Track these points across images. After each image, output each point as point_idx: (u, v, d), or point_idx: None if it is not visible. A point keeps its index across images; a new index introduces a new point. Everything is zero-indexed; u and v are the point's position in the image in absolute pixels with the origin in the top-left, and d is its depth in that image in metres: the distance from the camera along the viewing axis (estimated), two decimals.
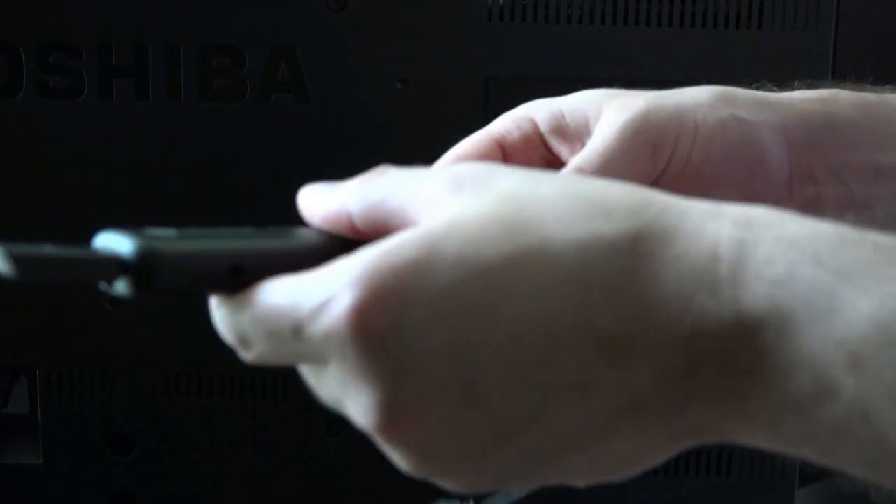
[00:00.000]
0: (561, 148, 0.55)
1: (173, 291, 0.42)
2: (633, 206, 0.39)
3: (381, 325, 0.37)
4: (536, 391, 0.38)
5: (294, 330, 0.39)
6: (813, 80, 0.60)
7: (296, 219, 0.86)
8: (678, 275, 0.37)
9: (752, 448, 0.39)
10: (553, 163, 0.56)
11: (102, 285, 0.41)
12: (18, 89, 0.82)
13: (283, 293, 0.40)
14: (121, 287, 0.41)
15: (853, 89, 0.58)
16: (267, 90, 0.82)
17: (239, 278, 0.42)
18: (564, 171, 0.53)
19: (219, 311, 0.43)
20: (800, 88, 0.58)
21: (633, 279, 0.37)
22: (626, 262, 0.38)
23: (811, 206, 0.55)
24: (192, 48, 0.82)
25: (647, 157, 0.52)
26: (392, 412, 0.38)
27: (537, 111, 0.56)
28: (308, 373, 0.41)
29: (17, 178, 0.84)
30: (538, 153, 0.56)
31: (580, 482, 0.41)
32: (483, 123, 0.84)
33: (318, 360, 0.40)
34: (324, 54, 0.82)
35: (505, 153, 0.55)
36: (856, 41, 0.84)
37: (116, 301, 0.85)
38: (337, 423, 0.88)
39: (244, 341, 0.42)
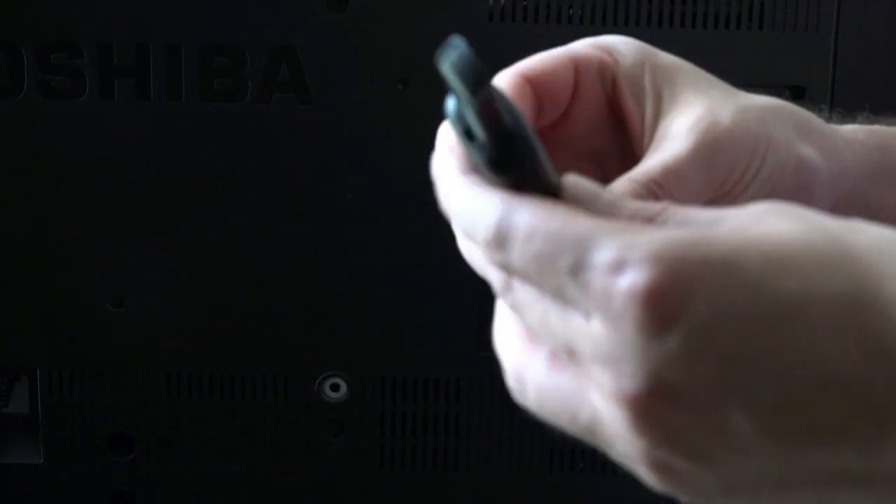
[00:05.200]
0: (626, 100, 0.52)
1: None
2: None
3: (670, 312, 0.37)
4: (791, 425, 0.38)
5: (573, 266, 0.39)
6: (872, 115, 0.58)
7: (296, 217, 0.86)
8: None
9: None
10: (612, 106, 0.52)
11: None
12: (20, 89, 0.82)
13: (578, 222, 0.39)
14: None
15: None
16: (268, 90, 0.82)
17: None
18: (625, 179, 0.48)
19: (489, 195, 0.41)
20: (860, 122, 0.56)
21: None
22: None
23: None
24: (193, 48, 0.82)
25: (710, 186, 0.49)
26: (654, 389, 0.38)
27: (624, 54, 0.52)
28: (549, 309, 0.40)
29: (18, 178, 0.84)
30: (603, 93, 0.52)
31: None
32: None
33: (577, 305, 0.39)
34: (325, 54, 0.82)
35: (577, 79, 0.51)
36: (857, 41, 0.84)
37: (116, 301, 0.86)
38: (337, 423, 0.88)
39: (502, 240, 0.40)
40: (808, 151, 0.50)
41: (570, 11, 0.82)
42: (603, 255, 0.38)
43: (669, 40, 0.83)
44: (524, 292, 0.41)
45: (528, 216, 0.40)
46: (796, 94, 0.84)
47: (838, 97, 0.84)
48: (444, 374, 0.87)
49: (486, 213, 0.41)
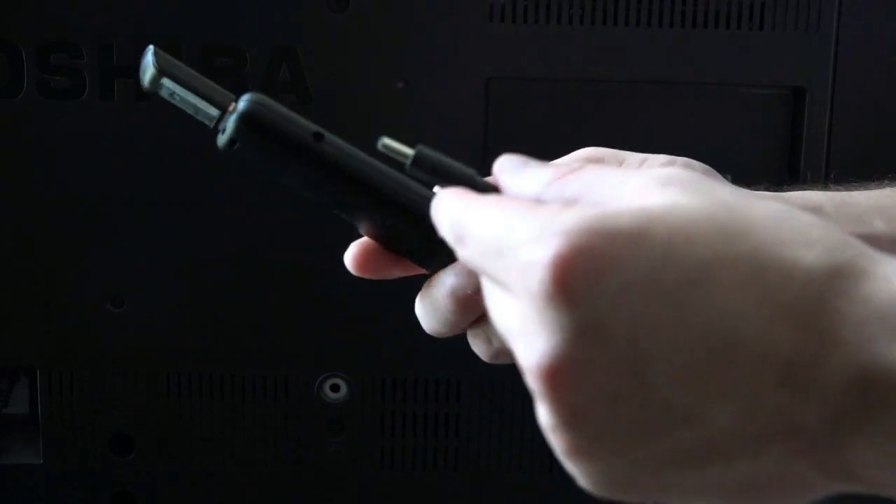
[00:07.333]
0: None
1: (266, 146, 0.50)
2: (833, 243, 0.40)
3: (577, 282, 0.39)
4: (700, 390, 0.39)
5: (498, 250, 0.42)
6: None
7: (296, 217, 0.86)
8: (862, 315, 0.39)
9: None
10: None
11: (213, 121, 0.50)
12: (19, 89, 0.82)
13: (505, 210, 0.43)
14: (227, 128, 0.50)
15: (818, 189, 0.58)
16: (268, 90, 0.82)
17: (320, 142, 0.50)
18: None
19: (447, 202, 0.46)
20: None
21: (820, 311, 0.39)
22: (818, 293, 0.39)
23: None
24: (193, 48, 0.82)
25: None
26: (560, 361, 0.39)
27: None
28: (493, 293, 0.43)
29: (18, 178, 0.84)
30: None
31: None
32: (483, 123, 0.84)
33: (508, 286, 0.41)
34: (325, 55, 0.82)
35: None
36: (857, 41, 0.84)
37: (117, 301, 0.86)
38: (337, 423, 0.88)
39: (460, 238, 0.44)
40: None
41: (570, 11, 0.82)
42: (521, 233, 0.41)
43: (669, 40, 0.83)
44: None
45: (471, 214, 0.44)
46: (796, 94, 0.84)
47: (838, 97, 0.84)
48: (444, 374, 0.87)
49: (447, 221, 0.46)
